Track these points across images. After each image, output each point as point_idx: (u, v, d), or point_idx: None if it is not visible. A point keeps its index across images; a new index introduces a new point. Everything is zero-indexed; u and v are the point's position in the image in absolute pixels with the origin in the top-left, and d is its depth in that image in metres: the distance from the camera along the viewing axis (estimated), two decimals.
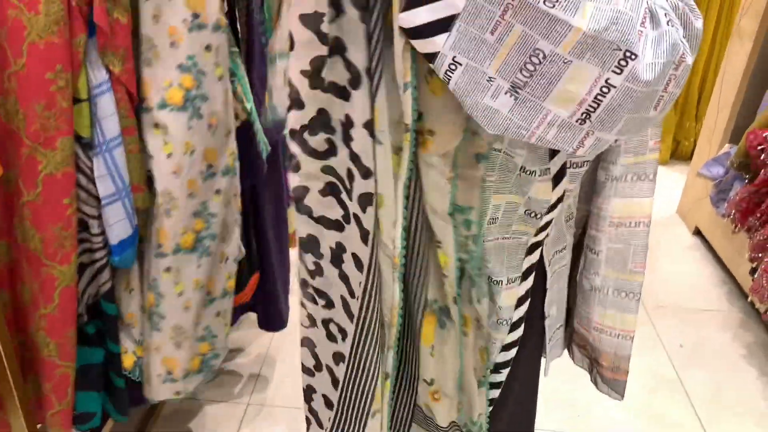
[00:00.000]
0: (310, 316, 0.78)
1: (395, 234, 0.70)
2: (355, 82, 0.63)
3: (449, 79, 0.57)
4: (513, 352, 0.83)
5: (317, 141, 0.68)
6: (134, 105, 0.92)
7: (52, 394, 0.99)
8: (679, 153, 3.21)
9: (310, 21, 0.61)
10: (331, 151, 0.68)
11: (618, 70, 0.53)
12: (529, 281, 0.80)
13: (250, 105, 1.13)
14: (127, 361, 1.07)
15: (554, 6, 0.51)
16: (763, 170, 1.84)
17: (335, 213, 0.71)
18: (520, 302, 0.80)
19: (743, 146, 1.95)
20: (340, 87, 0.64)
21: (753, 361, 1.84)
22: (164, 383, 1.09)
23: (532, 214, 0.75)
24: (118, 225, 0.94)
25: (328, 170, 0.69)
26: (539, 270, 0.81)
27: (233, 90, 1.05)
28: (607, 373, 0.91)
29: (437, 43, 0.56)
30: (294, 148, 0.69)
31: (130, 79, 0.90)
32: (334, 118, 0.66)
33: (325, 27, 0.61)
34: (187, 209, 0.97)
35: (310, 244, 0.73)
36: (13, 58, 0.82)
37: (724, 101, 2.35)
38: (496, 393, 0.85)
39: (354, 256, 0.72)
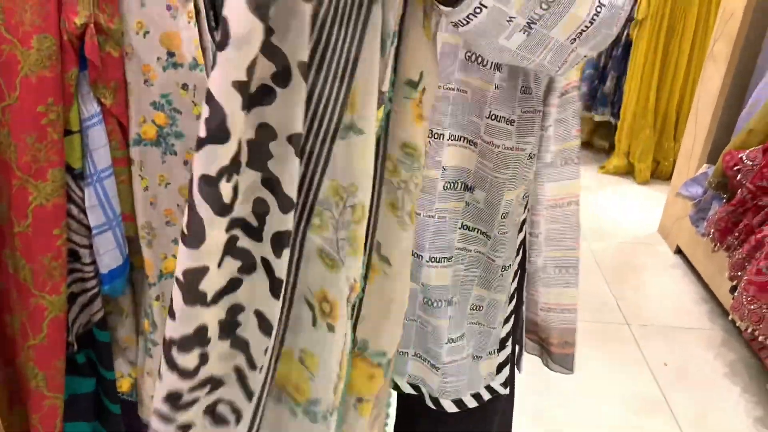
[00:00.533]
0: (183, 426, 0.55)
1: (357, 265, 0.55)
2: (283, 77, 0.46)
3: (468, 23, 0.54)
4: (510, 323, 0.89)
5: (227, 187, 0.47)
6: (126, 137, 0.93)
7: (40, 425, 0.98)
8: (659, 173, 3.28)
9: (261, 4, 0.43)
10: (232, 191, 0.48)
11: None
12: (520, 255, 0.88)
13: None
14: (125, 384, 1.07)
15: None
16: (739, 190, 1.89)
17: (229, 271, 0.51)
18: (514, 276, 0.88)
19: (720, 167, 2.00)
20: (262, 88, 0.47)
21: (736, 378, 1.87)
22: None
23: (525, 196, 0.81)
24: (108, 254, 0.95)
25: (229, 224, 0.49)
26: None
27: None
28: (556, 350, 0.96)
29: None
30: (203, 210, 0.46)
31: (122, 111, 0.91)
32: (232, 137, 0.46)
33: (272, 11, 0.43)
34: (166, 237, 0.98)
35: (196, 339, 0.50)
36: (8, 91, 0.84)
37: (701, 123, 2.42)
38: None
39: (258, 314, 0.52)
